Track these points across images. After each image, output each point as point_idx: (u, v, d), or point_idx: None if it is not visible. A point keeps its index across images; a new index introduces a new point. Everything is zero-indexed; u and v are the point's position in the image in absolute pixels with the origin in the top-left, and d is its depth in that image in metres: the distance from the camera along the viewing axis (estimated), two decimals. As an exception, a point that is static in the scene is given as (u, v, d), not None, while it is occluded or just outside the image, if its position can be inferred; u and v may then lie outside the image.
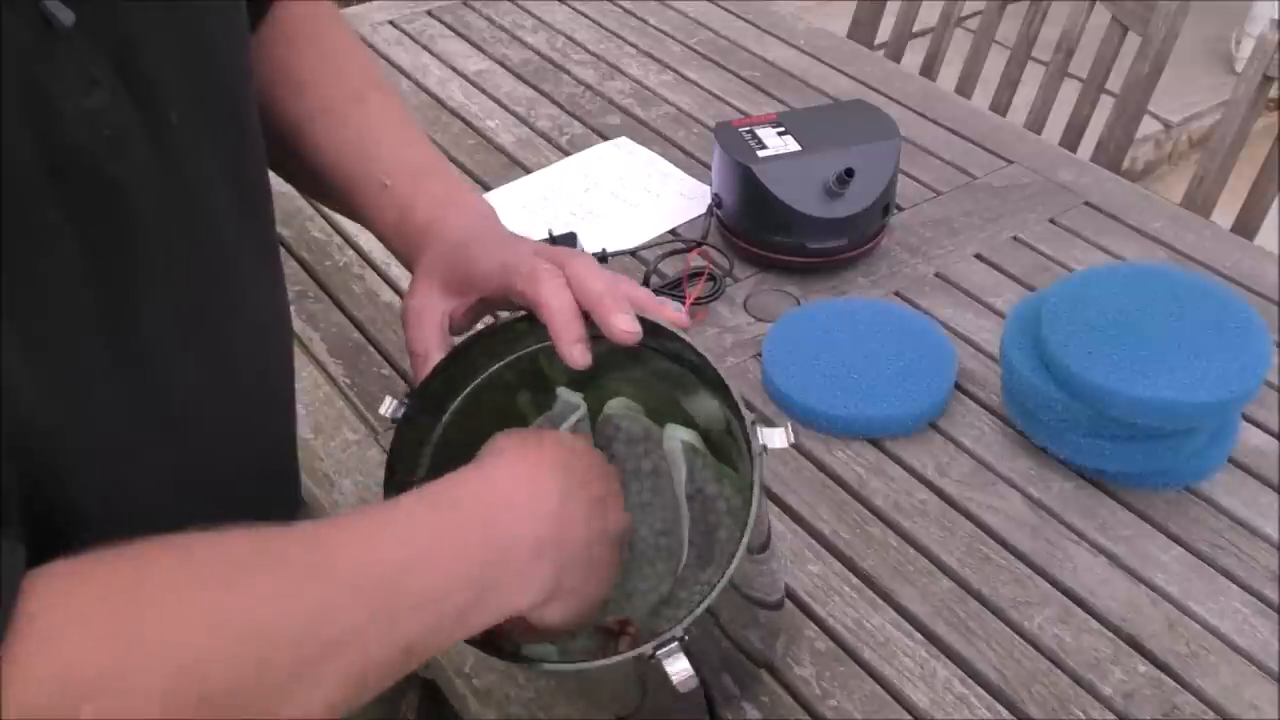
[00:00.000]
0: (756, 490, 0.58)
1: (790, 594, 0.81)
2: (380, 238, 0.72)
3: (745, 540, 0.58)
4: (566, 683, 0.75)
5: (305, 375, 1.00)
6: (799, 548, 0.84)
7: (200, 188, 0.54)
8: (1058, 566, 0.83)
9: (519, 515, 0.54)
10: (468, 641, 0.59)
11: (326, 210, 1.18)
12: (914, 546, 0.85)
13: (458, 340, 0.66)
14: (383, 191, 0.70)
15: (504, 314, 0.67)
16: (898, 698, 0.75)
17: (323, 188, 0.74)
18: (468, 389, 0.66)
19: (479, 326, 0.67)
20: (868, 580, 0.82)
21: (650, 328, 0.61)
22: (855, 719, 0.74)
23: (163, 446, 0.54)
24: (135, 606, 0.42)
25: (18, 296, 0.43)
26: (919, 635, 0.79)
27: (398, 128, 0.74)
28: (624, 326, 0.60)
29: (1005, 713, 0.74)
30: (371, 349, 1.03)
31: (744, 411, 0.61)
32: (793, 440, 0.60)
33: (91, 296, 0.47)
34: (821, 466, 0.91)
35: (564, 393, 0.67)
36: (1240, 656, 0.78)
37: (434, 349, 0.65)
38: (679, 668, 0.56)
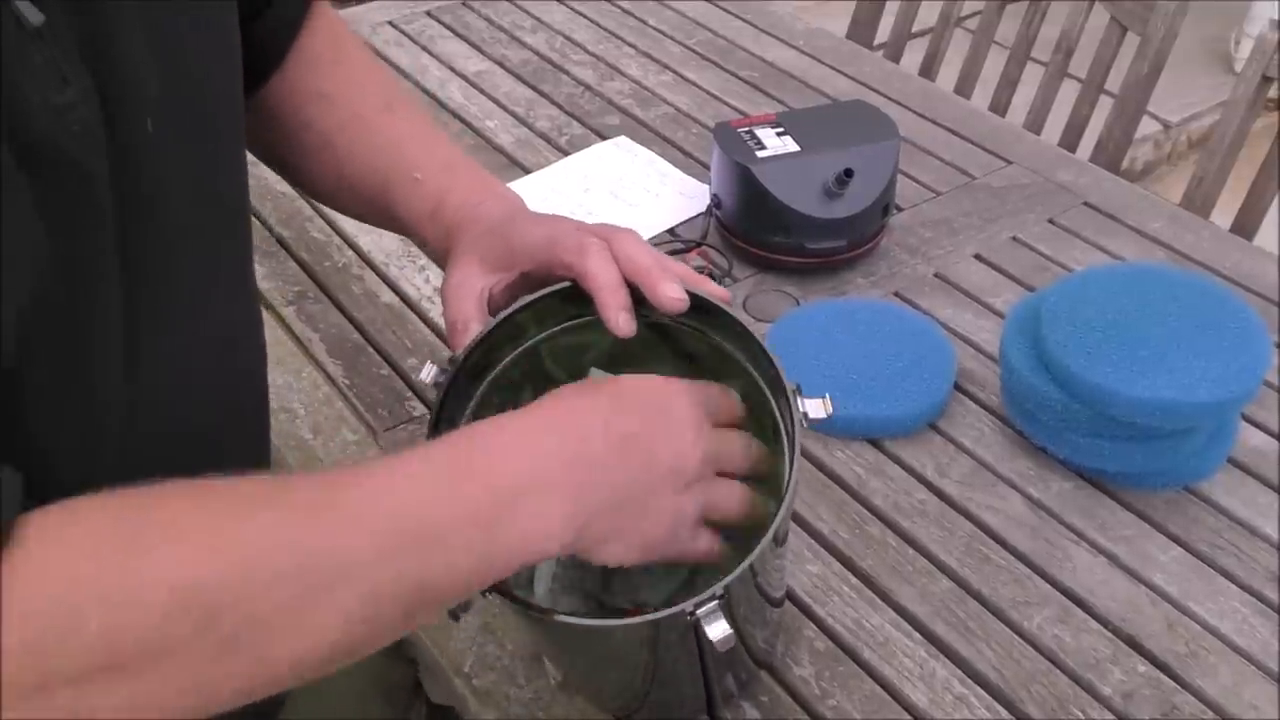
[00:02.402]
0: (795, 455, 0.60)
1: (790, 594, 0.81)
2: (413, 232, 0.73)
3: (787, 501, 0.58)
4: (574, 673, 0.75)
5: (305, 375, 1.00)
6: (799, 548, 0.84)
7: (171, 196, 0.55)
8: (1057, 566, 0.83)
9: (525, 458, 0.54)
10: (500, 594, 0.59)
11: (327, 210, 1.18)
12: (913, 546, 0.85)
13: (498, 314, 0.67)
14: (415, 185, 0.72)
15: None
16: (897, 698, 0.75)
17: (356, 193, 0.75)
18: (507, 359, 0.67)
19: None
20: (867, 580, 0.82)
21: (695, 301, 0.63)
22: (855, 719, 0.74)
23: (94, 435, 0.54)
24: (141, 529, 0.44)
25: None
26: (918, 635, 0.79)
27: (426, 132, 0.77)
28: (672, 294, 0.62)
29: (1005, 713, 0.74)
30: (371, 349, 1.03)
31: (786, 380, 0.62)
32: (831, 411, 0.61)
33: (54, 276, 0.49)
34: (821, 466, 0.91)
35: (596, 374, 0.68)
36: (1240, 656, 0.78)
37: (473, 321, 0.65)
38: (718, 627, 0.56)
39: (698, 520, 0.60)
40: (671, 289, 0.62)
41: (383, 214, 0.74)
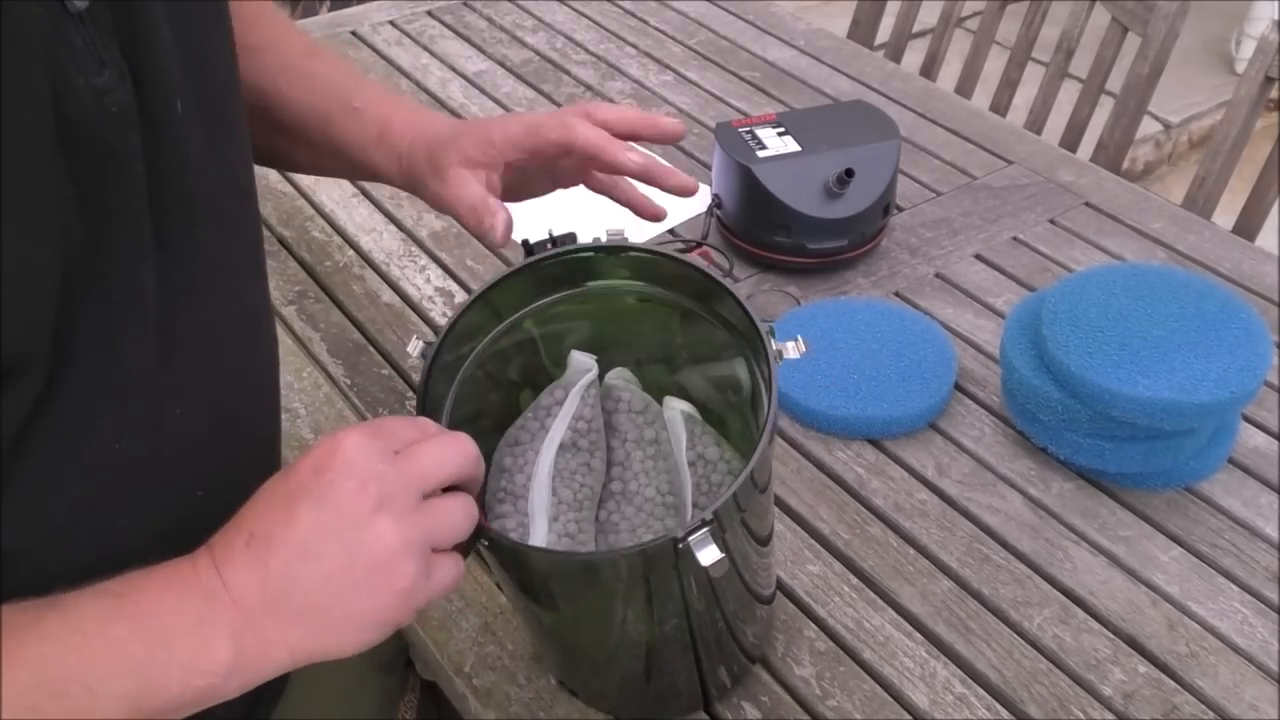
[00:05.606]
0: (773, 396, 0.61)
1: (790, 594, 0.81)
2: (361, 161, 0.74)
3: (768, 430, 0.59)
4: (571, 662, 0.75)
5: (305, 375, 1.00)
6: (799, 548, 0.84)
7: (196, 177, 0.57)
8: (1058, 566, 0.83)
9: (173, 594, 0.49)
10: (491, 540, 0.58)
11: (328, 210, 1.18)
12: (914, 546, 0.85)
13: (482, 286, 0.67)
14: (356, 114, 0.73)
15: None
16: (898, 698, 0.75)
17: (295, 137, 0.76)
18: (491, 333, 0.67)
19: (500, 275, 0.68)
20: (868, 580, 0.83)
21: (676, 270, 0.66)
22: (855, 719, 0.74)
23: (131, 415, 0.55)
24: None
25: (16, 243, 0.45)
26: (919, 635, 0.79)
27: (353, 70, 0.79)
28: (672, 129, 0.67)
29: (1005, 713, 0.74)
30: (371, 349, 1.03)
31: (758, 322, 0.64)
32: (805, 350, 0.63)
33: (83, 251, 0.50)
34: (821, 466, 0.91)
35: (577, 355, 0.69)
36: (1240, 656, 0.78)
37: (489, 197, 0.66)
38: (709, 551, 0.56)
39: (422, 563, 0.52)
40: (670, 123, 0.66)
41: (327, 152, 0.75)
